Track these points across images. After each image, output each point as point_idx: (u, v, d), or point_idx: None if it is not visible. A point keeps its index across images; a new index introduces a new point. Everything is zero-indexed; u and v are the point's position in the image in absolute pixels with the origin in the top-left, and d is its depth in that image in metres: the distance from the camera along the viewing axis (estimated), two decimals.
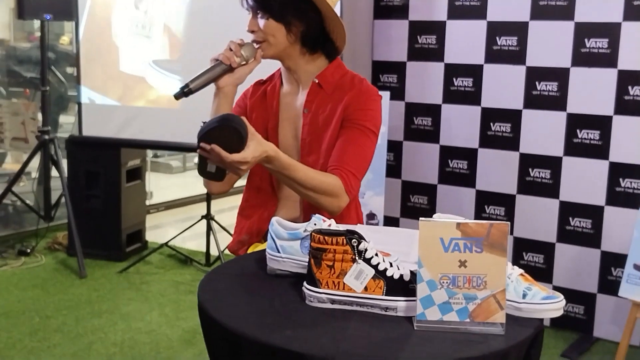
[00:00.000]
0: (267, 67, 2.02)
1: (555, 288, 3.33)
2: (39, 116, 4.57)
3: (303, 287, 1.42)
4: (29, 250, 4.44)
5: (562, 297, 1.40)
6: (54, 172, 4.49)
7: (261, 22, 1.85)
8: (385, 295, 1.37)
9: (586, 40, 3.21)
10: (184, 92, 1.78)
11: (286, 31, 1.85)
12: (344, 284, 1.38)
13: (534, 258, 3.44)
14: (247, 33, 1.90)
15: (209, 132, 1.56)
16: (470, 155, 3.57)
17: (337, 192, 1.81)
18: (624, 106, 3.16)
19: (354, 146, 1.86)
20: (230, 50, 1.84)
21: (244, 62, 1.87)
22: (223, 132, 1.56)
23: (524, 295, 1.39)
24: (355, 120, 1.87)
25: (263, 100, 2.02)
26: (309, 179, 1.77)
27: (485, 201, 3.56)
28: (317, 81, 1.92)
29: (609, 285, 3.26)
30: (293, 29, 1.85)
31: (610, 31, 3.15)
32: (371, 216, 3.62)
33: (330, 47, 1.94)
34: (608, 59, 3.17)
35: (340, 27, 1.90)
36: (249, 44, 1.87)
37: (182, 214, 5.67)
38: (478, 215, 3.55)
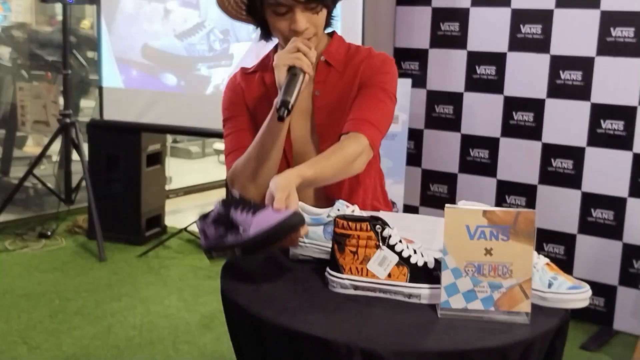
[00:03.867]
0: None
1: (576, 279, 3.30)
2: (60, 100, 4.59)
3: (326, 273, 1.42)
4: (49, 233, 4.48)
5: (588, 287, 1.38)
6: (74, 156, 4.51)
7: (312, 15, 1.67)
8: (409, 282, 1.36)
9: (612, 29, 3.16)
10: (289, 110, 1.54)
11: (327, 17, 1.73)
12: (367, 270, 1.38)
13: (554, 249, 3.41)
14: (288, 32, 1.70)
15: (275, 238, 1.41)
16: (491, 144, 3.54)
17: (362, 153, 1.67)
18: None
19: (375, 101, 1.74)
20: (303, 54, 1.62)
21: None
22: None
23: (550, 285, 1.38)
24: (374, 82, 1.77)
25: (265, 93, 1.83)
26: (337, 169, 1.63)
27: (507, 191, 3.53)
28: (324, 59, 1.79)
29: (630, 278, 3.22)
30: (330, 11, 1.74)
31: (637, 20, 3.09)
32: (391, 204, 3.60)
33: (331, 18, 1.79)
34: (634, 49, 3.12)
35: None
36: (311, 44, 1.66)
37: (201, 199, 5.69)
38: (499, 205, 3.53)
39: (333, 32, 1.85)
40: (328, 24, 1.78)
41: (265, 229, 1.37)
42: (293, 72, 1.59)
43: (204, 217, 1.51)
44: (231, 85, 1.90)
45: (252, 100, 1.85)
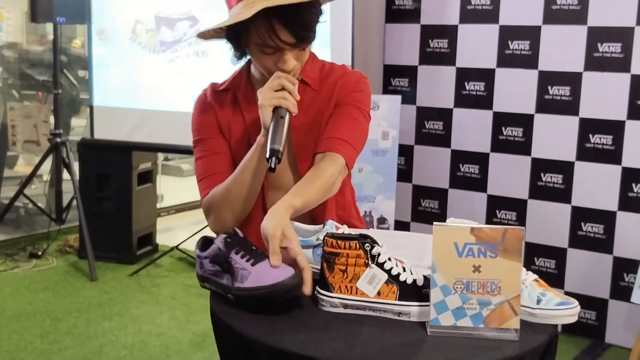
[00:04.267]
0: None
1: (567, 294, 3.28)
2: (51, 119, 4.59)
3: (315, 292, 1.42)
4: (40, 253, 4.46)
5: (576, 302, 1.39)
6: (65, 175, 4.50)
7: (299, 52, 1.64)
8: (399, 300, 1.37)
9: (599, 44, 3.19)
10: (279, 158, 1.51)
11: None
12: (357, 288, 1.38)
13: (545, 263, 3.42)
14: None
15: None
16: (481, 159, 3.56)
17: (340, 173, 1.66)
18: (638, 111, 3.14)
19: (350, 120, 1.73)
20: (288, 92, 1.58)
21: None
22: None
23: (539, 301, 1.38)
24: (349, 100, 1.75)
25: (237, 110, 1.78)
26: (320, 195, 1.62)
27: (497, 206, 3.54)
28: (300, 78, 1.73)
29: (621, 291, 3.23)
30: None
31: (624, 36, 3.13)
32: (382, 220, 3.61)
33: None
34: (621, 64, 3.15)
35: None
36: (292, 78, 1.63)
37: (192, 217, 5.67)
38: (489, 220, 3.54)
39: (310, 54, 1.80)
40: None
41: (262, 286, 1.37)
42: (279, 114, 1.56)
43: (202, 246, 1.51)
44: (201, 105, 1.83)
45: (226, 120, 1.79)
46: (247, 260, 1.42)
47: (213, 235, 1.59)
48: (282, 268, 1.40)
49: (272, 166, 1.51)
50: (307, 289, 1.42)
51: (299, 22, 1.56)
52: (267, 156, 1.51)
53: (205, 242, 1.53)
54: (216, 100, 1.81)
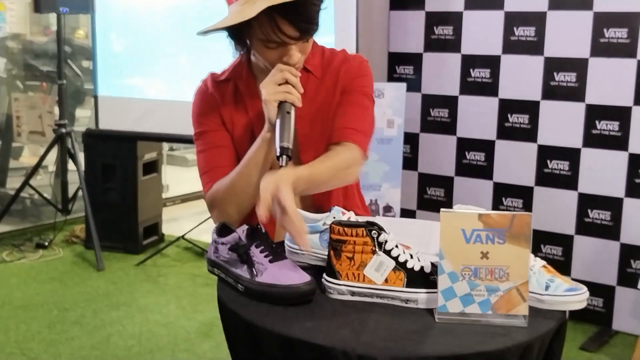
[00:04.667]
0: None
1: (574, 280, 3.29)
2: (56, 110, 4.59)
3: (322, 279, 1.41)
4: (46, 244, 4.47)
5: (585, 288, 1.38)
6: (71, 166, 4.51)
7: (303, 44, 1.63)
8: (406, 287, 1.36)
9: (605, 30, 3.17)
10: (288, 156, 1.51)
11: None
12: (364, 275, 1.37)
13: (552, 250, 3.41)
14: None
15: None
16: (487, 147, 3.54)
17: (356, 161, 1.67)
18: None
19: (360, 108, 1.74)
20: (291, 85, 1.58)
21: None
22: None
23: (547, 287, 1.38)
24: (355, 87, 1.75)
25: (239, 101, 1.77)
26: (331, 174, 1.61)
27: (503, 193, 3.53)
28: (303, 66, 1.72)
29: (629, 277, 3.23)
30: None
31: (630, 21, 3.10)
32: (388, 209, 3.61)
33: None
34: (627, 50, 3.13)
35: None
36: (294, 70, 1.62)
37: (198, 207, 5.67)
38: (495, 208, 3.53)
39: None
40: None
41: (275, 285, 1.37)
42: (285, 109, 1.55)
43: (221, 232, 1.51)
44: (202, 96, 1.81)
45: (228, 112, 1.77)
46: (265, 256, 1.42)
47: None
48: (299, 273, 1.39)
49: (284, 164, 1.50)
50: (301, 240, 1.39)
51: (302, 16, 1.54)
52: (278, 154, 1.50)
53: (224, 228, 1.53)
54: (217, 91, 1.79)
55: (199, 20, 4.04)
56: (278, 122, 1.54)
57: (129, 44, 4.24)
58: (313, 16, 1.57)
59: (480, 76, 3.51)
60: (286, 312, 1.34)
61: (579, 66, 3.25)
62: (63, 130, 4.39)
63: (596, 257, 3.31)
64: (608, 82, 3.20)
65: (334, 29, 3.56)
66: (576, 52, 3.25)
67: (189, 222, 4.83)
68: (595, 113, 3.24)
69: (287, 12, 1.52)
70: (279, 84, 1.57)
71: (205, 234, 4.54)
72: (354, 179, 1.70)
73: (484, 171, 3.57)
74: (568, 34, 3.26)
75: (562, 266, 3.35)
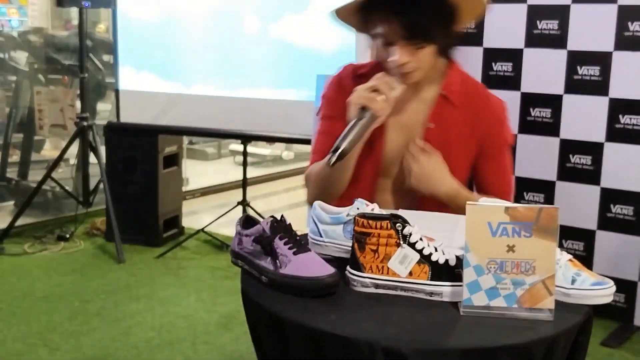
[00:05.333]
0: None
1: None
2: (78, 103, 4.62)
3: (346, 272, 1.41)
4: (68, 236, 4.51)
5: (612, 282, 1.37)
6: (92, 159, 4.54)
7: (414, 50, 1.62)
8: (431, 280, 1.36)
9: (629, 23, 3.13)
10: (338, 156, 1.54)
11: (436, 51, 1.68)
12: (388, 268, 1.37)
13: (574, 245, 3.39)
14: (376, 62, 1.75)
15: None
16: None
17: None
18: None
19: (507, 170, 1.89)
20: (379, 93, 1.60)
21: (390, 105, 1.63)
22: None
23: (573, 281, 1.37)
24: (501, 143, 1.84)
25: None
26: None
27: (525, 188, 3.50)
28: (443, 93, 1.77)
29: None
30: (439, 44, 1.68)
31: None
32: None
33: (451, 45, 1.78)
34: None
35: (475, 19, 1.80)
36: (396, 81, 1.64)
37: (217, 200, 5.69)
38: (517, 202, 3.50)
39: (450, 62, 1.79)
40: (445, 54, 1.75)
41: (299, 276, 1.37)
42: (361, 115, 1.58)
43: (246, 223, 1.51)
44: (338, 83, 1.84)
45: None
46: (289, 248, 1.41)
47: (253, 215, 1.59)
48: (323, 265, 1.39)
49: (330, 161, 1.54)
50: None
51: (412, 15, 1.57)
52: (330, 150, 1.54)
53: (248, 220, 1.53)
54: (353, 84, 1.75)
55: (224, 16, 4.06)
56: (350, 123, 1.58)
57: (151, 39, 4.25)
58: (424, 21, 1.58)
59: (502, 70, 3.48)
60: (310, 304, 1.34)
61: (602, 60, 3.21)
62: (85, 123, 4.42)
63: (618, 253, 3.28)
64: (631, 76, 3.15)
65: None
66: (600, 45, 3.21)
67: (208, 215, 4.85)
68: (618, 107, 3.20)
69: (400, 7, 1.56)
70: (371, 90, 1.60)
71: (224, 227, 4.56)
72: None
73: None
74: (592, 27, 3.21)
75: (584, 261, 3.25)
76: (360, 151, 1.73)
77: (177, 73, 4.22)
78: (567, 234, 3.39)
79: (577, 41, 3.27)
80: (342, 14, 1.73)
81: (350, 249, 1.41)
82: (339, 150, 1.54)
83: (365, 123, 1.58)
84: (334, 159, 1.54)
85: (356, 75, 1.83)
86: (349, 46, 3.61)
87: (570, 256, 1.42)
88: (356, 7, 1.67)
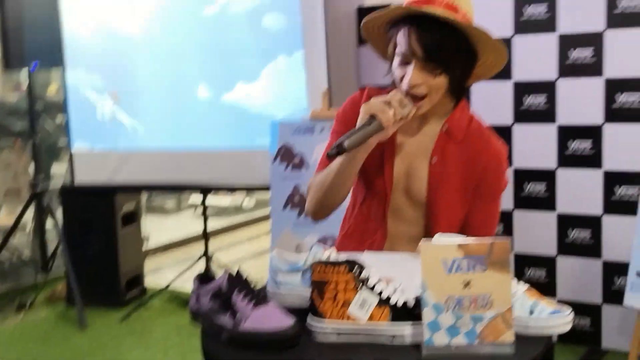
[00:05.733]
0: None
1: (560, 301, 3.29)
2: (31, 167, 4.56)
3: (307, 321, 1.40)
4: (28, 304, 4.40)
5: (570, 310, 1.38)
6: (49, 223, 4.46)
7: (428, 76, 1.66)
8: (391, 323, 1.35)
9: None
10: (339, 151, 1.60)
11: (449, 83, 1.70)
12: (349, 314, 1.36)
13: (536, 273, 3.42)
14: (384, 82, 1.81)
15: None
16: None
17: None
18: (614, 114, 3.17)
19: (493, 215, 1.91)
20: (389, 108, 1.64)
21: (399, 122, 1.68)
22: None
23: (531, 312, 1.37)
24: (494, 190, 1.87)
25: None
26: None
27: None
28: (445, 128, 1.80)
29: (614, 294, 3.23)
30: (453, 79, 1.70)
31: None
32: None
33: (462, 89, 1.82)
34: (592, 69, 3.18)
35: (492, 74, 1.80)
36: (409, 101, 1.67)
37: (180, 255, 5.64)
38: None
39: (460, 101, 1.83)
40: (456, 91, 1.77)
41: (259, 331, 1.35)
42: (370, 121, 1.63)
43: (202, 281, 1.50)
44: (353, 102, 1.89)
45: None
46: (248, 302, 1.40)
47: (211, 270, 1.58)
48: (284, 315, 1.38)
49: (331, 153, 1.60)
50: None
51: (435, 37, 1.62)
52: (334, 145, 1.59)
53: (204, 277, 1.52)
54: None
55: (178, 82, 4.09)
56: (357, 125, 1.64)
57: (102, 95, 4.24)
58: (443, 44, 1.63)
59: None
60: (273, 358, 1.32)
61: (548, 88, 3.29)
62: (39, 188, 4.36)
63: (580, 277, 3.32)
64: (577, 102, 3.24)
65: (304, 70, 3.61)
66: (545, 74, 3.29)
67: (172, 272, 4.80)
68: (567, 133, 3.28)
69: (426, 26, 1.62)
70: (384, 103, 1.65)
71: (189, 282, 4.49)
72: None
73: None
74: (629, 54, 3.15)
75: (547, 288, 3.36)
76: (369, 170, 1.82)
77: (131, 129, 4.20)
78: (528, 261, 3.43)
79: (523, 71, 3.35)
80: (369, 30, 1.79)
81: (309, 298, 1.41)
82: (341, 143, 1.58)
83: (370, 130, 1.62)
84: (334, 150, 1.59)
85: (371, 97, 1.82)
86: (302, 111, 3.70)
87: (527, 286, 1.43)
88: (385, 21, 1.73)
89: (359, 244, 1.90)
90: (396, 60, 1.71)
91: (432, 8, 1.62)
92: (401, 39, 1.66)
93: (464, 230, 1.84)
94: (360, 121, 1.65)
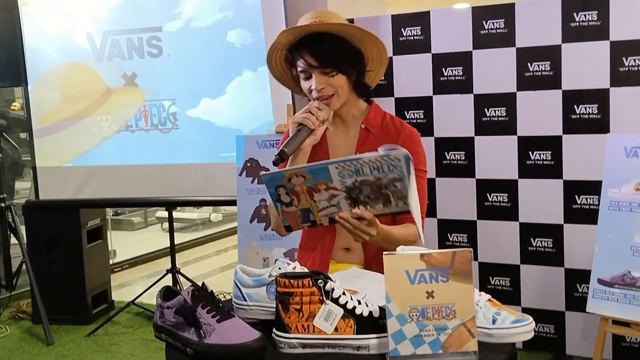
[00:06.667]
0: None
1: (525, 309, 3.36)
2: None
3: (272, 334, 1.41)
4: None
5: (531, 319, 1.41)
6: (13, 240, 4.40)
7: (328, 78, 1.96)
8: (356, 334, 1.37)
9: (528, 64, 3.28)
10: (282, 157, 1.86)
11: (348, 81, 1.99)
12: (314, 326, 1.38)
13: (501, 282, 3.47)
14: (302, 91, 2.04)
15: None
16: (429, 185, 3.59)
17: (416, 238, 1.97)
18: (572, 125, 3.24)
19: (421, 193, 2.00)
20: (311, 114, 1.93)
21: (322, 123, 1.97)
22: None
23: (494, 321, 1.40)
24: (415, 162, 1.90)
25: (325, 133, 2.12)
26: (402, 239, 1.89)
27: (448, 229, 3.59)
28: (364, 126, 2.07)
29: (577, 301, 3.29)
30: (351, 78, 2.00)
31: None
32: None
33: (366, 87, 2.10)
34: (550, 82, 3.25)
35: (383, 69, 2.07)
36: (324, 105, 1.97)
37: (147, 270, 5.60)
38: (442, 244, 3.58)
39: (371, 102, 2.12)
40: (363, 92, 2.08)
41: (224, 345, 1.36)
42: (299, 128, 1.92)
43: (166, 295, 1.50)
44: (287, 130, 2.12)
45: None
46: (213, 316, 1.40)
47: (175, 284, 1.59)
48: (249, 330, 1.38)
49: (275, 161, 1.85)
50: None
51: (319, 48, 1.93)
52: (275, 154, 1.85)
53: (168, 292, 1.52)
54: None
55: (139, 78, 4.06)
56: (290, 135, 1.91)
57: (64, 112, 4.21)
58: (331, 51, 1.94)
59: (415, 118, 3.59)
60: None
61: (507, 100, 3.35)
62: (2, 204, 4.30)
63: (543, 285, 3.38)
64: (537, 114, 3.30)
65: (269, 81, 3.62)
66: (504, 87, 3.35)
67: (139, 286, 4.76)
68: (527, 144, 3.34)
69: (309, 44, 1.94)
70: (305, 112, 1.94)
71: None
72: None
73: (427, 209, 3.61)
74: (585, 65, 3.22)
75: (512, 296, 3.41)
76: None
77: (96, 146, 4.17)
78: (493, 270, 3.48)
79: (483, 85, 3.41)
80: (275, 70, 2.09)
81: (274, 311, 1.42)
82: (282, 151, 1.83)
83: (302, 134, 1.91)
84: (277, 158, 1.83)
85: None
86: (268, 124, 3.71)
87: (488, 296, 1.46)
88: (282, 58, 2.04)
89: (312, 250, 2.10)
90: (302, 79, 2.00)
91: (305, 25, 1.94)
92: (297, 61, 1.97)
93: (395, 215, 1.93)
94: (291, 132, 1.93)
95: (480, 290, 1.47)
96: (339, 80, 1.97)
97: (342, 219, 1.70)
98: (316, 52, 1.94)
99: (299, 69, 1.98)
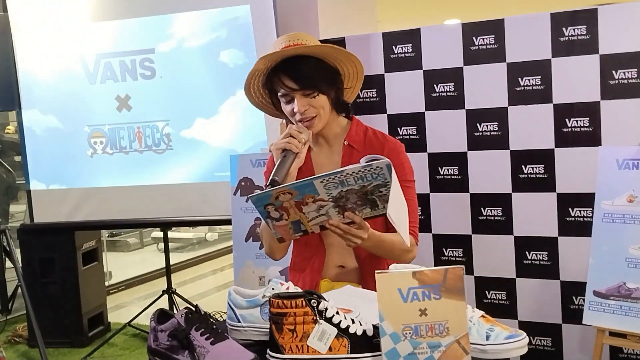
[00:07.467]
0: None
1: (521, 323, 3.35)
2: None
3: (267, 355, 1.41)
4: None
5: (524, 334, 1.41)
6: (8, 263, 4.39)
7: (309, 100, 1.98)
8: (351, 353, 1.37)
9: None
10: (273, 186, 1.81)
11: (329, 101, 2.02)
12: (308, 346, 1.38)
13: (497, 295, 3.47)
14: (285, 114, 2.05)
15: None
16: (423, 200, 3.61)
17: (412, 247, 2.02)
18: (564, 139, 3.26)
19: (408, 203, 2.00)
20: (293, 137, 1.94)
21: (304, 145, 1.98)
22: None
23: (488, 337, 1.40)
24: (400, 178, 1.94)
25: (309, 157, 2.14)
26: (394, 246, 1.95)
27: (443, 244, 3.59)
28: (347, 143, 2.10)
29: (573, 314, 3.29)
30: (331, 96, 2.03)
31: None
32: None
33: (345, 104, 2.14)
34: (541, 96, 3.27)
35: (359, 84, 2.12)
36: (303, 127, 1.98)
37: (143, 290, 5.58)
38: (437, 259, 3.58)
39: (352, 117, 2.15)
40: (342, 109, 2.12)
41: None
42: (284, 154, 1.92)
43: (159, 319, 1.50)
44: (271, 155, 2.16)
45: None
46: (206, 339, 1.40)
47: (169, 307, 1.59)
48: (242, 351, 1.39)
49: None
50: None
51: (299, 72, 1.95)
52: (267, 184, 1.86)
53: (162, 315, 1.52)
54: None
55: (132, 100, 4.08)
56: (278, 162, 1.90)
57: (57, 135, 4.22)
58: (309, 73, 1.96)
59: (407, 133, 3.60)
60: None
61: (499, 115, 3.37)
62: None
63: (539, 298, 3.38)
64: (528, 128, 3.32)
65: None
66: (496, 101, 3.37)
67: (135, 308, 4.75)
68: (520, 158, 3.35)
69: (287, 68, 1.96)
70: (286, 136, 1.94)
71: None
72: (408, 261, 2.02)
73: (422, 224, 3.62)
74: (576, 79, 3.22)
75: (508, 310, 3.40)
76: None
77: (89, 168, 4.18)
78: (489, 284, 3.47)
79: (473, 101, 3.43)
80: (252, 95, 2.10)
81: (268, 332, 1.42)
82: (272, 179, 1.82)
83: (288, 159, 1.90)
84: (269, 187, 1.75)
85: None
86: (262, 143, 3.72)
87: (482, 312, 1.46)
88: (261, 86, 2.07)
89: (302, 272, 2.14)
90: (283, 103, 2.02)
91: (283, 50, 1.95)
92: (277, 86, 1.99)
93: (388, 223, 1.93)
94: (276, 158, 1.92)
95: (476, 304, 1.48)
96: (320, 101, 2.00)
97: (332, 225, 1.72)
98: (296, 75, 1.96)
99: (280, 93, 2.00)
